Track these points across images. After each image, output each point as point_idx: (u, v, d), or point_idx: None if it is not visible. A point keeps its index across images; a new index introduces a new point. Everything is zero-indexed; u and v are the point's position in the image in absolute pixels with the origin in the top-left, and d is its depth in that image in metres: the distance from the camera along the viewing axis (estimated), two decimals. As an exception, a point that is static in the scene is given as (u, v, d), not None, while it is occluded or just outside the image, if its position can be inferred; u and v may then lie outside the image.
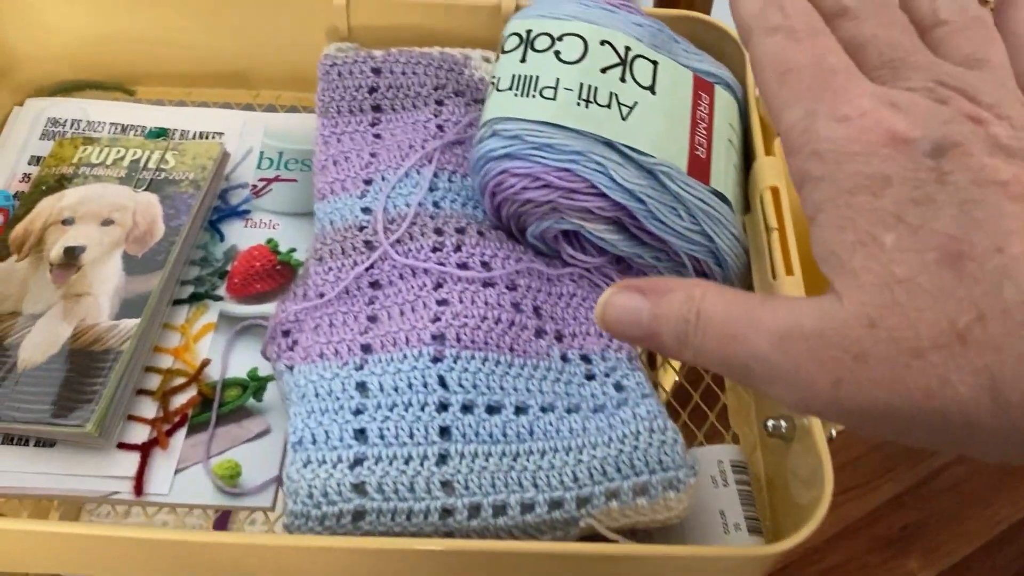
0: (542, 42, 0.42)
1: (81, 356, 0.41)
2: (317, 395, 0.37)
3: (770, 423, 0.42)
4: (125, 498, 0.40)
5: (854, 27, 0.25)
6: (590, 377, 0.39)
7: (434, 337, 0.38)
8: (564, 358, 0.40)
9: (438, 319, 0.39)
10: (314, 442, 0.36)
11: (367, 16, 0.51)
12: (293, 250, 0.48)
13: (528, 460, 0.36)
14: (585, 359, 0.40)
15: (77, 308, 0.43)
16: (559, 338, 0.40)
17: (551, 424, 0.37)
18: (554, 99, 0.40)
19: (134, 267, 0.44)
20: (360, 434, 0.36)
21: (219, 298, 0.46)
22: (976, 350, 0.19)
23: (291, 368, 0.39)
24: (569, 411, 0.37)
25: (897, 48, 0.24)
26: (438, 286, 0.40)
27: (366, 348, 0.38)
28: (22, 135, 0.51)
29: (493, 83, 0.43)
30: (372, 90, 0.48)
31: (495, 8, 0.51)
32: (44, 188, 0.48)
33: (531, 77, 0.41)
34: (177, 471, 0.41)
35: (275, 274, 0.47)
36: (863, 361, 0.20)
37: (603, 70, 0.42)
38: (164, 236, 0.45)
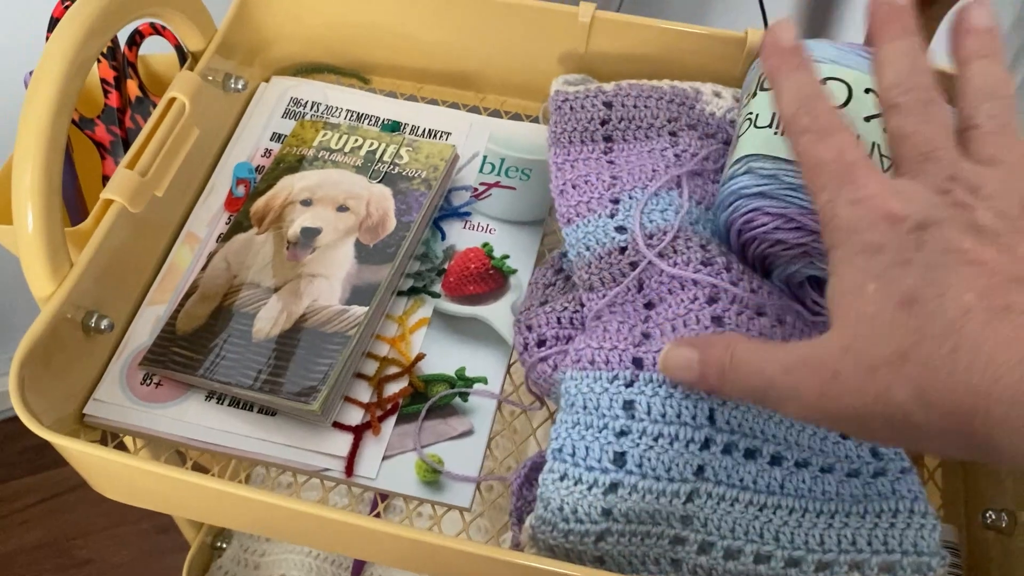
0: (804, 84, 0.41)
1: (311, 335, 0.43)
2: (585, 407, 0.37)
3: (989, 514, 0.40)
4: (336, 476, 0.41)
5: (900, 120, 0.31)
6: (846, 436, 0.38)
7: None
8: None
9: None
10: (573, 455, 0.36)
11: (605, 40, 0.51)
12: (507, 256, 0.49)
13: (775, 514, 0.35)
14: None
15: (311, 288, 0.44)
16: None
17: (804, 482, 0.36)
18: (814, 144, 0.39)
19: (365, 256, 0.46)
20: (619, 457, 0.35)
21: (436, 295, 0.47)
22: (911, 366, 0.26)
23: (557, 368, 0.40)
24: (823, 470, 0.36)
25: (930, 143, 0.30)
26: (712, 300, 0.38)
27: (637, 363, 0.37)
28: (266, 111, 0.54)
29: (750, 119, 0.42)
30: (604, 122, 0.48)
31: (737, 40, 0.50)
32: (284, 166, 0.50)
33: (791, 119, 0.40)
34: (385, 457, 0.42)
35: (488, 278, 0.48)
36: (837, 377, 0.28)
37: (867, 119, 0.40)
38: (395, 230, 0.46)
